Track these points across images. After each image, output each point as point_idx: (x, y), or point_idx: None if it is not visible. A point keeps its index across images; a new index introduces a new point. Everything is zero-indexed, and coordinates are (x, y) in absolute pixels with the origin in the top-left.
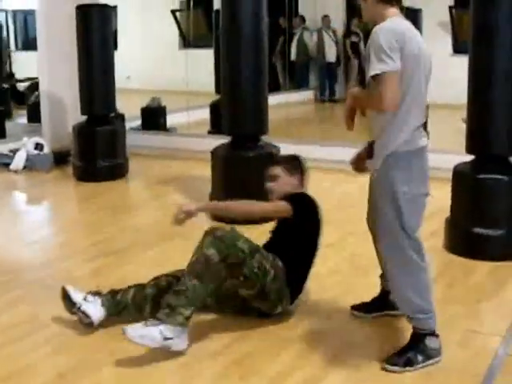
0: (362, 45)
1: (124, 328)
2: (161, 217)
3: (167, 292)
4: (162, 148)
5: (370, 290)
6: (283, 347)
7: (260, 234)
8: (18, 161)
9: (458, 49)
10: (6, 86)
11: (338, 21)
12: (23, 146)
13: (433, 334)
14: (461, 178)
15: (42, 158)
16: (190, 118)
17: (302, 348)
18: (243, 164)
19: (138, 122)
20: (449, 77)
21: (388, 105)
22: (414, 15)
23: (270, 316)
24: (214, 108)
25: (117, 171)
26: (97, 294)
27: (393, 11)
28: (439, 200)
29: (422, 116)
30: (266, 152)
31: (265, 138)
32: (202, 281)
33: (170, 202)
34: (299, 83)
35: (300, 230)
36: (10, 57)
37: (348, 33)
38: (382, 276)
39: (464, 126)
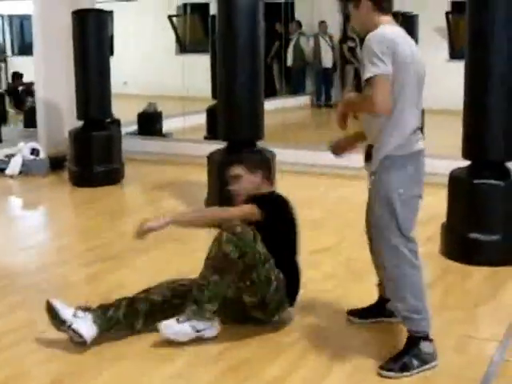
0: (358, 50)
1: (158, 325)
2: None
3: (161, 307)
4: (158, 153)
5: (367, 294)
6: (280, 352)
7: None
8: (14, 166)
9: (454, 55)
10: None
11: (335, 26)
12: (19, 151)
13: (427, 338)
14: (457, 183)
15: (37, 163)
16: (187, 123)
17: (298, 353)
18: None
19: (135, 127)
20: (445, 83)
21: (380, 107)
22: (410, 21)
23: (266, 323)
24: (211, 113)
25: (113, 176)
26: (86, 309)
27: (385, 19)
28: (435, 205)
29: (417, 121)
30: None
31: (261, 144)
32: (223, 277)
33: (166, 207)
34: (295, 88)
35: (274, 232)
36: (6, 62)
37: (344, 38)
38: (380, 284)
39: None
